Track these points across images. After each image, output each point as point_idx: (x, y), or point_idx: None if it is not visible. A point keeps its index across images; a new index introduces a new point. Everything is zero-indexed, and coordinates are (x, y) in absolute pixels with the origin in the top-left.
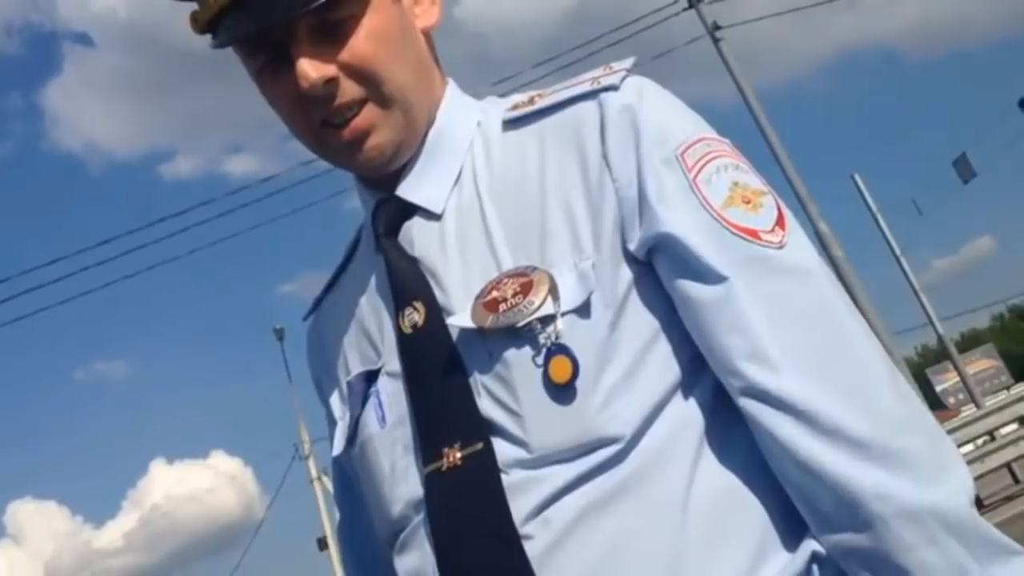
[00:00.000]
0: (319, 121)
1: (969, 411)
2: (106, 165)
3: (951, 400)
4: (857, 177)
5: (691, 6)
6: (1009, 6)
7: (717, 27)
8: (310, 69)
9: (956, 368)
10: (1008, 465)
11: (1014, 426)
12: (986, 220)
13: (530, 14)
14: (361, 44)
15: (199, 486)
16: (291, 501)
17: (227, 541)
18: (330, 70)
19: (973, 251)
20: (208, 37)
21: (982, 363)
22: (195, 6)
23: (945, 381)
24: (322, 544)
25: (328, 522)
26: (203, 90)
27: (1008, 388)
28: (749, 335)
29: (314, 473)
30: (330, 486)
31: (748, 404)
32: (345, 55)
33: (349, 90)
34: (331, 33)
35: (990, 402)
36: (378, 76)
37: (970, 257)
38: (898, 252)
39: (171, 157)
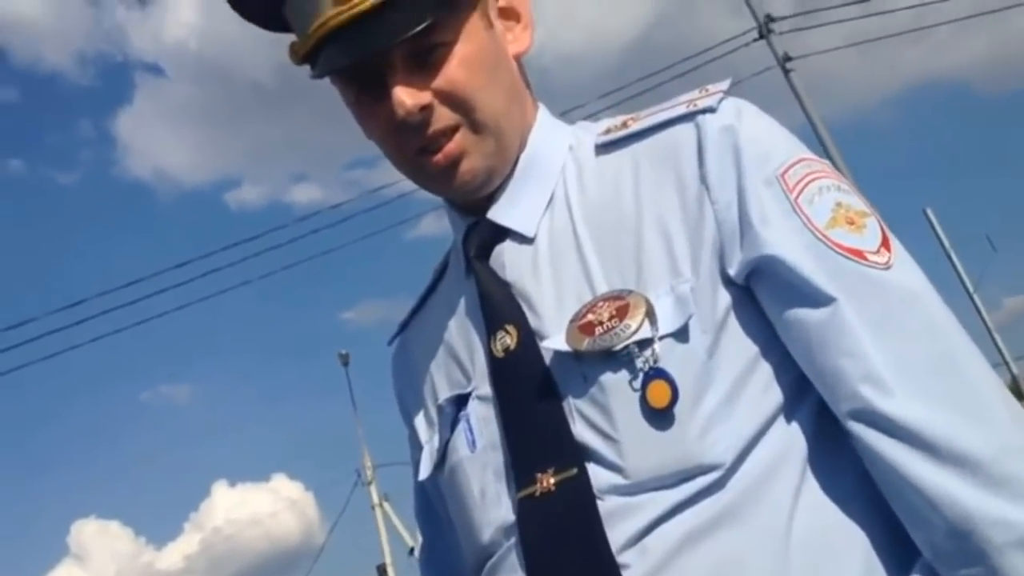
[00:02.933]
0: (415, 149)
1: None
2: (175, 192)
3: None
4: (929, 212)
5: (762, 37)
6: None
7: (788, 58)
8: (406, 97)
9: None
10: None
11: None
12: None
13: (591, 46)
14: (454, 71)
15: (260, 510)
16: (352, 527)
17: (287, 565)
18: (425, 97)
19: None
20: (282, 66)
21: None
22: (293, 38)
23: None
24: (381, 571)
25: (388, 549)
26: (269, 120)
27: None
28: (859, 357)
29: (376, 499)
30: (392, 513)
31: (858, 428)
32: (439, 82)
33: (443, 117)
34: (425, 61)
35: None
36: (471, 103)
37: None
38: (971, 289)
39: (237, 185)
